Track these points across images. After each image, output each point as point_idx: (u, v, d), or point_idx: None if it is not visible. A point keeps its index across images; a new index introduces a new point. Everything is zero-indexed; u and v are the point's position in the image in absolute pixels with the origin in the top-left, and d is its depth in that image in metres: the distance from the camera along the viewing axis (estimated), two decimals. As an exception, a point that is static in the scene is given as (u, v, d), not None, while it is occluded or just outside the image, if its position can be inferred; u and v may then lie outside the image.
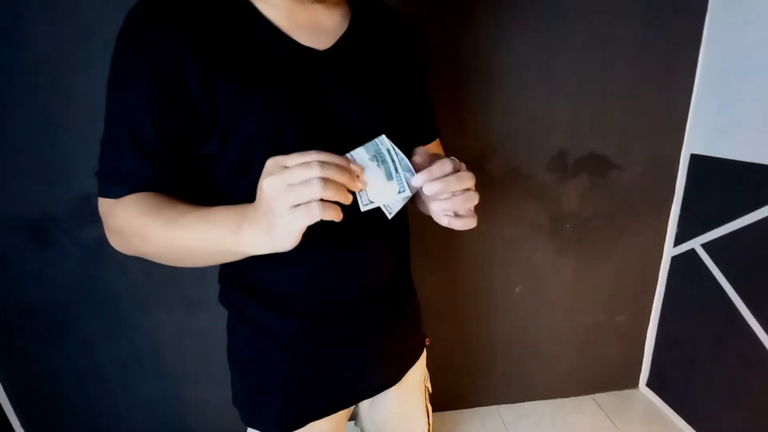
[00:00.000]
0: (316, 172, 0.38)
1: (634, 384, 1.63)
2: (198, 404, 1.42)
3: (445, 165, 0.47)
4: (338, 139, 0.51)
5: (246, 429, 0.69)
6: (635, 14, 1.17)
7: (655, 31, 1.20)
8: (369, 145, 0.45)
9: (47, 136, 1.10)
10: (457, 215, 0.50)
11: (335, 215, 0.39)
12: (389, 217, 0.48)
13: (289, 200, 0.38)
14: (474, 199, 0.49)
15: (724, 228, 1.21)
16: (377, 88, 0.57)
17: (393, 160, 0.44)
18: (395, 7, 0.67)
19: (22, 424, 1.38)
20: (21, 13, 1.00)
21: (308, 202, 0.38)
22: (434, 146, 0.75)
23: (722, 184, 1.21)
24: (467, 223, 0.50)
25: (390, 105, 0.58)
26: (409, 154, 0.49)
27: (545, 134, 1.26)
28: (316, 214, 0.38)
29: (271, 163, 0.41)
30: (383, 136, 0.45)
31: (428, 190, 0.46)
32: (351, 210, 0.44)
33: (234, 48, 0.49)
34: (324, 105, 0.52)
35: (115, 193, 0.50)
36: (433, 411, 0.87)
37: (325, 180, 0.38)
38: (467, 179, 0.48)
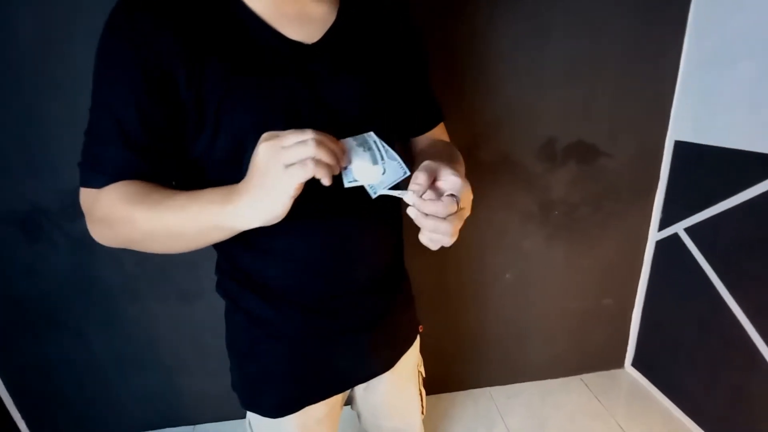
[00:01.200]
0: (310, 134, 0.41)
1: (620, 364, 1.68)
2: (194, 395, 1.45)
3: (444, 204, 0.45)
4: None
5: (245, 413, 0.72)
6: (623, 2, 1.18)
7: (641, 19, 1.21)
8: (357, 137, 0.47)
9: (35, 129, 1.09)
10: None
11: (326, 173, 0.41)
12: (373, 197, 0.48)
13: (284, 159, 0.40)
14: (442, 229, 0.46)
15: (706, 212, 1.24)
16: (370, 80, 0.57)
17: (378, 149, 0.47)
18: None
19: (23, 417, 1.39)
20: (3, 3, 0.98)
21: (303, 160, 0.40)
22: (439, 131, 0.74)
23: (705, 169, 1.24)
24: (430, 239, 0.48)
25: (384, 96, 0.58)
26: (410, 159, 0.47)
27: (535, 122, 1.28)
28: (309, 169, 0.40)
29: (266, 134, 0.43)
30: (371, 133, 0.47)
31: (410, 212, 0.46)
32: (342, 198, 0.45)
33: (221, 43, 0.49)
34: (315, 100, 0.53)
35: (98, 182, 0.50)
36: (428, 394, 0.90)
37: (319, 141, 0.41)
38: (443, 210, 0.45)
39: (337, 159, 0.42)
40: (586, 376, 1.66)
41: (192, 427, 1.48)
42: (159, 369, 1.39)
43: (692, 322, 1.35)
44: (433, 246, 0.48)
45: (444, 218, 0.45)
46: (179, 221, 0.47)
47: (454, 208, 0.45)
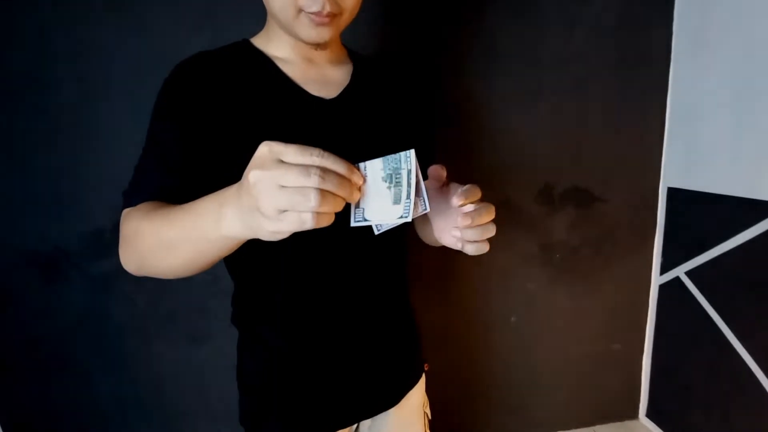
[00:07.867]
0: (315, 181, 0.34)
1: (634, 415, 1.63)
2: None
3: (477, 192, 0.47)
4: None
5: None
6: (606, 64, 1.31)
7: (624, 78, 1.33)
8: (391, 158, 0.39)
9: (65, 176, 1.17)
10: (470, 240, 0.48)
11: (327, 222, 0.37)
12: (376, 233, 0.45)
13: (280, 203, 0.34)
14: (492, 231, 0.48)
15: (705, 256, 1.28)
16: (377, 129, 0.66)
17: (408, 184, 0.39)
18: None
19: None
20: (48, 61, 1.11)
21: (300, 212, 0.35)
22: None
23: (699, 214, 1.29)
24: (480, 248, 0.48)
25: (389, 143, 0.66)
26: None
27: (531, 169, 1.36)
28: (307, 225, 0.35)
29: (265, 150, 0.36)
30: (412, 152, 0.39)
31: (462, 222, 0.45)
32: (343, 235, 0.49)
33: (259, 98, 0.59)
34: (330, 144, 0.60)
35: (133, 202, 0.55)
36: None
37: (324, 192, 0.35)
38: (491, 213, 0.47)
39: (347, 200, 0.38)
40: (599, 428, 1.60)
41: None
42: (161, 413, 1.37)
43: (701, 367, 1.33)
44: (479, 248, 0.48)
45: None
46: (175, 233, 0.46)
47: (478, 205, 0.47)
